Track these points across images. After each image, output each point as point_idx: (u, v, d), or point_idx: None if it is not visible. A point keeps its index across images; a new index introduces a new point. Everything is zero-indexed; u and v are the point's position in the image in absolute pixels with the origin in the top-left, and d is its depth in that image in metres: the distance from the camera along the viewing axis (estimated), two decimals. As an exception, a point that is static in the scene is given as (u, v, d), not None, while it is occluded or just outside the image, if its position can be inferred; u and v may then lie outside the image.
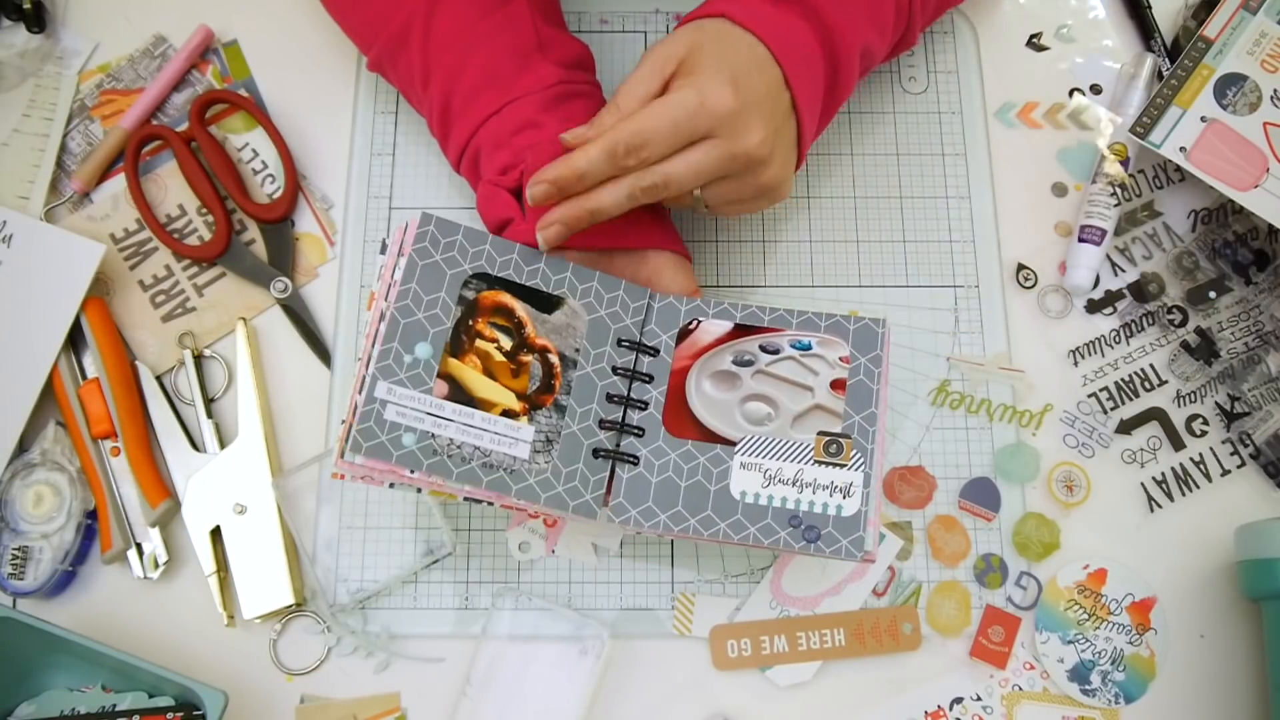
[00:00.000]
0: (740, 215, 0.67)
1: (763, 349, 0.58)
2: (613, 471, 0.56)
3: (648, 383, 0.57)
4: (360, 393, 0.53)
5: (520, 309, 0.57)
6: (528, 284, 0.57)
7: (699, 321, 0.58)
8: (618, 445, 0.56)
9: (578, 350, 0.57)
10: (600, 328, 0.57)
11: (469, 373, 0.55)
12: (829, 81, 0.60)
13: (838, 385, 0.56)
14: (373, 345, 0.54)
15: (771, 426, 0.56)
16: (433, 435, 0.53)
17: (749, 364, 0.57)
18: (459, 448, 0.53)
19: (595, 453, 0.56)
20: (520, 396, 0.55)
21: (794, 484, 0.54)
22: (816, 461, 0.54)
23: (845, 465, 0.54)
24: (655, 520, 0.54)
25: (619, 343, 0.58)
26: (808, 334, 0.58)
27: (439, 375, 0.54)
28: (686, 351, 0.58)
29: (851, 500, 0.53)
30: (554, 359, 0.56)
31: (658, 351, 0.58)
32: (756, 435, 0.56)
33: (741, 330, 0.58)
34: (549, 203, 0.55)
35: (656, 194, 0.54)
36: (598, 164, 0.53)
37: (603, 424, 0.56)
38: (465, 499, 0.55)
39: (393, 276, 0.56)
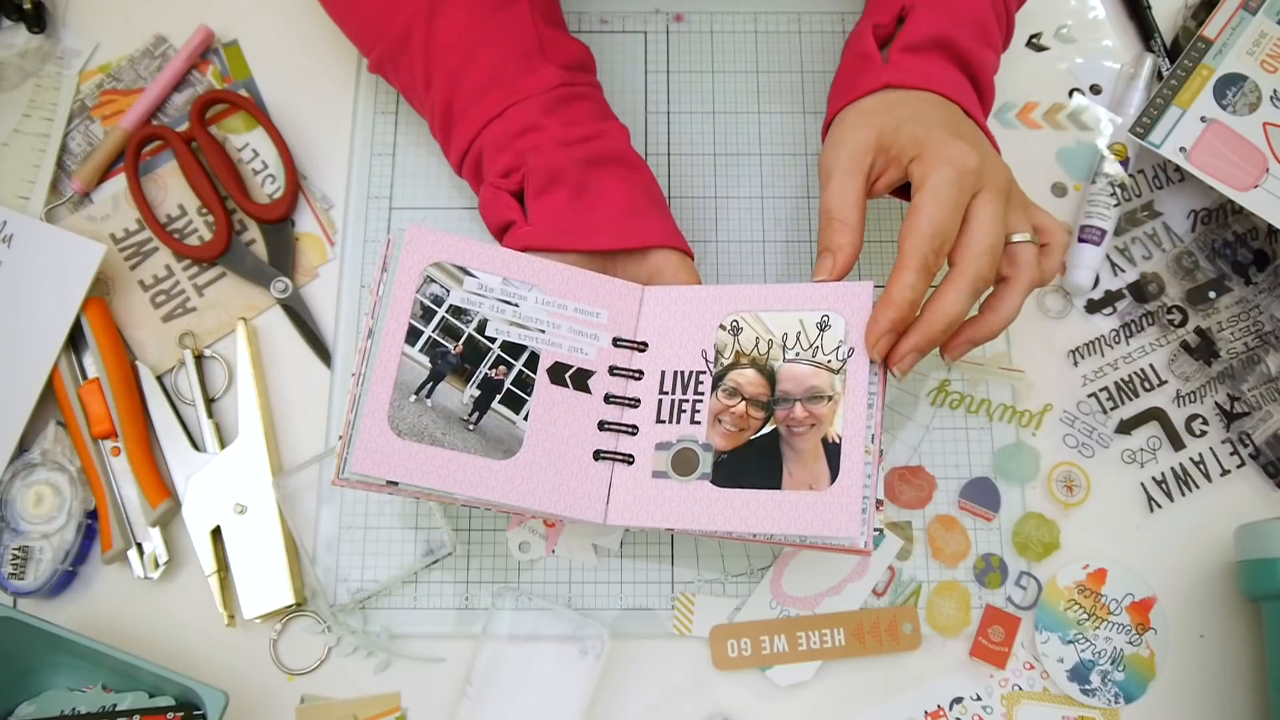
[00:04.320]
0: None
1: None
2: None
3: (638, 380, 0.57)
4: (353, 411, 0.53)
5: None
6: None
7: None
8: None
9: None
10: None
11: None
12: (981, 102, 0.62)
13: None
14: (363, 364, 0.54)
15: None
16: None
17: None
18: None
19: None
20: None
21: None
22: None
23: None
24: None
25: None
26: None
27: None
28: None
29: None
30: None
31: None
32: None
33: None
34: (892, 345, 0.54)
35: (991, 275, 0.54)
36: (920, 287, 0.53)
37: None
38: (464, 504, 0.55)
39: (378, 293, 0.55)
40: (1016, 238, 0.56)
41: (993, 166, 0.56)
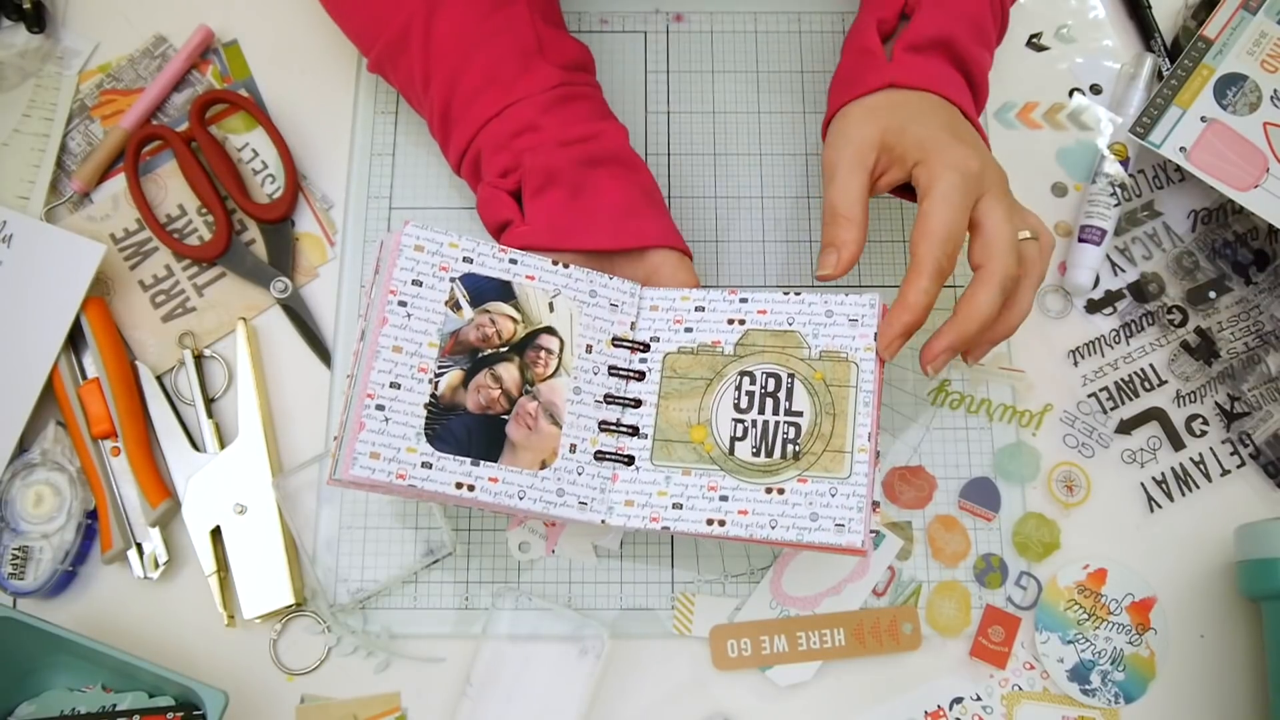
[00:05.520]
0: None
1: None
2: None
3: (639, 380, 0.57)
4: (345, 413, 0.53)
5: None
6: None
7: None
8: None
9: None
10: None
11: None
12: (975, 102, 0.63)
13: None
14: (356, 365, 0.54)
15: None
16: None
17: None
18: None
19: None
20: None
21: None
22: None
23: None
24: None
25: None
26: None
27: None
28: None
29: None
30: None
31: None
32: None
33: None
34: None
35: (1016, 272, 0.55)
36: (934, 291, 0.54)
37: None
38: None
39: (372, 295, 0.55)
40: (1021, 235, 0.57)
41: (993, 169, 0.57)
